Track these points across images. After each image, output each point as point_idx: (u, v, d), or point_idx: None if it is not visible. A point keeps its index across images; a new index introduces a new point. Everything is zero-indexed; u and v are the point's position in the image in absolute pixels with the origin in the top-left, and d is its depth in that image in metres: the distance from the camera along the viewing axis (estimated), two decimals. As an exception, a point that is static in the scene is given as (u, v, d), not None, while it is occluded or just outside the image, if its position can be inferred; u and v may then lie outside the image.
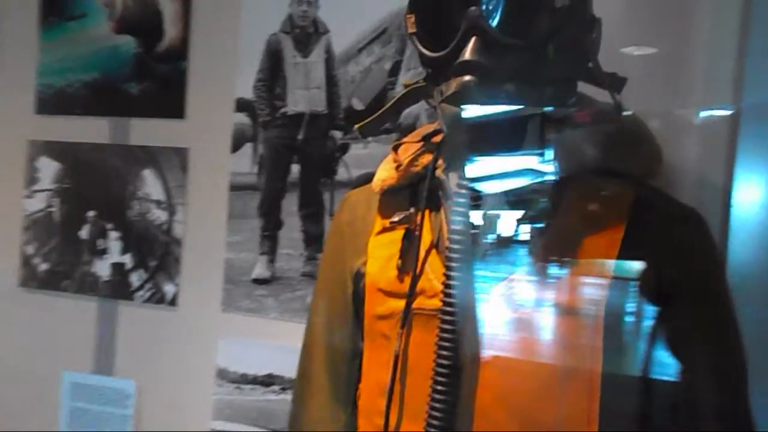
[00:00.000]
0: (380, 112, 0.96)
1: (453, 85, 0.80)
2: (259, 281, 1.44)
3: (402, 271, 0.90)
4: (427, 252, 0.89)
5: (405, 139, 0.99)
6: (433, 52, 0.83)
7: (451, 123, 0.83)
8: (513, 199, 0.85)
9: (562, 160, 0.84)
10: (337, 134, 1.38)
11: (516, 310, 0.83)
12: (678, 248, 0.85)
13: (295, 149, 1.42)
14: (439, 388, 0.83)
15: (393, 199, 0.96)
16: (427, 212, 0.92)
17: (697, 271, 0.86)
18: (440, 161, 0.91)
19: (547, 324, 0.82)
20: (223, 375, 1.46)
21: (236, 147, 1.47)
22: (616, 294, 0.80)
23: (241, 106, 1.46)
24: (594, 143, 0.86)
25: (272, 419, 1.42)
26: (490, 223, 0.84)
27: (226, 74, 1.48)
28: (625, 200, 0.84)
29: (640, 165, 0.87)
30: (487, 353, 0.83)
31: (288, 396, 1.40)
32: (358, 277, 0.99)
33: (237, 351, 1.45)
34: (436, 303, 0.87)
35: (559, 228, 0.84)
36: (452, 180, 0.88)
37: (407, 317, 0.88)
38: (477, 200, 0.84)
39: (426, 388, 0.87)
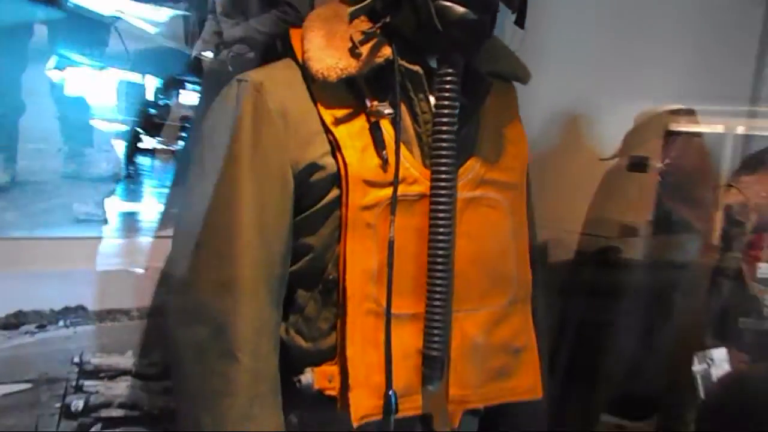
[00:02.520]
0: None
1: None
2: (-12, 189, 1.01)
3: (385, 160, 0.92)
4: (396, 141, 0.93)
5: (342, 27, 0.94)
6: None
7: (457, 21, 0.88)
8: (473, 91, 0.98)
9: (483, 62, 1.02)
10: (106, -6, 1.07)
11: (475, 188, 0.99)
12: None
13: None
14: (440, 259, 0.92)
15: (330, 88, 0.93)
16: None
17: None
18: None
19: (495, 196, 1.01)
20: (-72, 330, 0.99)
21: None
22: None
23: None
24: (494, 52, 1.06)
25: (26, 368, 1.07)
26: (462, 113, 0.95)
27: None
28: (516, 98, 1.09)
29: (520, 71, 1.11)
30: (460, 227, 0.97)
31: (53, 333, 1.09)
32: (310, 170, 0.92)
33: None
34: (416, 189, 0.94)
35: (492, 118, 1.02)
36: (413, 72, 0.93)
37: (396, 204, 0.92)
38: (456, 92, 0.93)
39: (410, 268, 0.94)
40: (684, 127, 1.73)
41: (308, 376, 0.95)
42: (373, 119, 0.92)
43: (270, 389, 0.94)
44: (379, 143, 0.92)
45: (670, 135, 1.72)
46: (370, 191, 0.92)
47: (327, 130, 0.92)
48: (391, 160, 0.92)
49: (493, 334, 1.00)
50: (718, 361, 1.84)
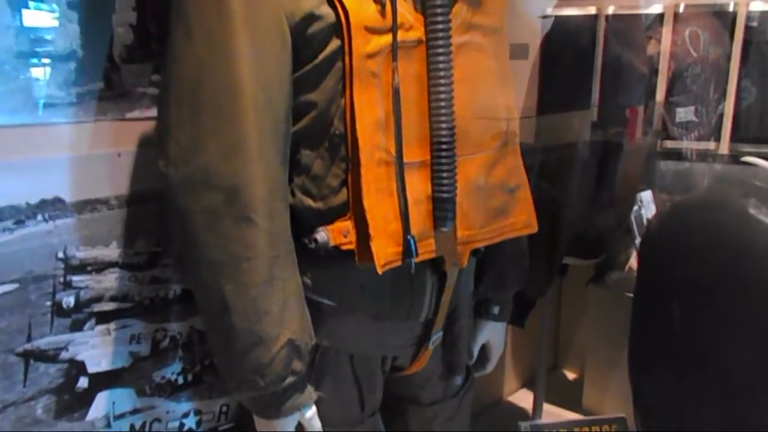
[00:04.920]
0: None
1: None
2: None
3: (382, 5, 0.89)
4: None
5: None
6: None
7: None
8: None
9: None
10: None
11: (464, 32, 0.99)
12: None
13: None
14: (443, 103, 0.94)
15: None
16: None
17: None
18: None
19: (482, 41, 1.01)
20: None
21: None
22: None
23: None
24: None
25: (11, 267, 1.00)
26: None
27: None
28: None
29: None
30: (455, 73, 0.97)
31: (32, 228, 1.02)
32: (307, 20, 0.88)
33: None
34: (413, 35, 0.93)
35: None
36: None
37: (397, 50, 0.90)
38: None
39: (414, 117, 0.95)
40: None
41: (323, 234, 0.96)
42: None
43: (287, 251, 0.94)
44: None
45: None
46: (371, 38, 0.90)
47: None
48: (387, 5, 0.90)
49: (491, 175, 1.05)
50: (646, 203, 2.02)
